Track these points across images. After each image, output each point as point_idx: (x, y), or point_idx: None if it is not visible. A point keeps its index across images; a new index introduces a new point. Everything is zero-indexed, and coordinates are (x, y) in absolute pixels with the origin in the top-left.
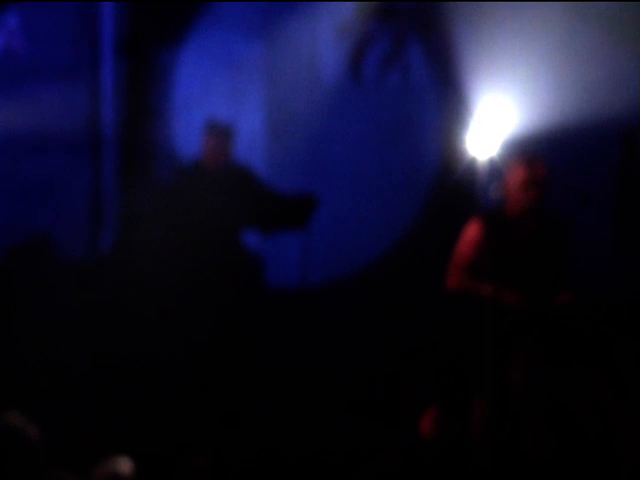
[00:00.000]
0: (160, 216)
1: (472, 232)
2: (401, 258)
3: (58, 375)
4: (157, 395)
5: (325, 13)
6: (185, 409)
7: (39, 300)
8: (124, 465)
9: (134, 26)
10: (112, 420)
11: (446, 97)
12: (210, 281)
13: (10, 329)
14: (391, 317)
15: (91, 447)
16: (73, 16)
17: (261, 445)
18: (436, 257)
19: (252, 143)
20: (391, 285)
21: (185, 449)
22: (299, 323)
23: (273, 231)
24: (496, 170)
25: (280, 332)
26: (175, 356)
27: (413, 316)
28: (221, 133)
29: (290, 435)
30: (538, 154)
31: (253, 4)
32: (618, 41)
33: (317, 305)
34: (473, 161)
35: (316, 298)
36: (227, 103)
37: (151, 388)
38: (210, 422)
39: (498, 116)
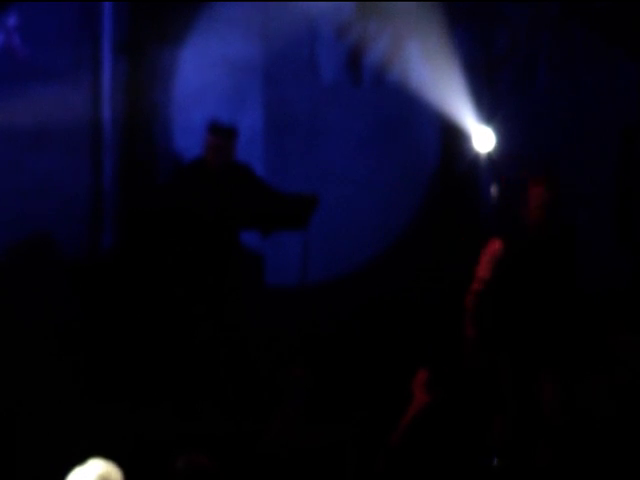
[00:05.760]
0: (161, 215)
1: (492, 250)
2: (400, 257)
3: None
4: (155, 394)
5: (325, 13)
6: (183, 406)
7: (38, 300)
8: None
9: (134, 26)
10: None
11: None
12: (209, 279)
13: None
14: (390, 316)
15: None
16: (73, 16)
17: (261, 444)
18: (435, 256)
19: (251, 142)
20: (390, 284)
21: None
22: (297, 321)
23: (273, 230)
24: (495, 169)
25: (278, 330)
26: (173, 354)
27: (412, 314)
28: (223, 133)
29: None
30: (553, 171)
31: (252, 4)
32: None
33: (315, 303)
34: (472, 160)
35: (315, 296)
36: (227, 103)
37: (149, 387)
38: (210, 418)
39: (496, 116)
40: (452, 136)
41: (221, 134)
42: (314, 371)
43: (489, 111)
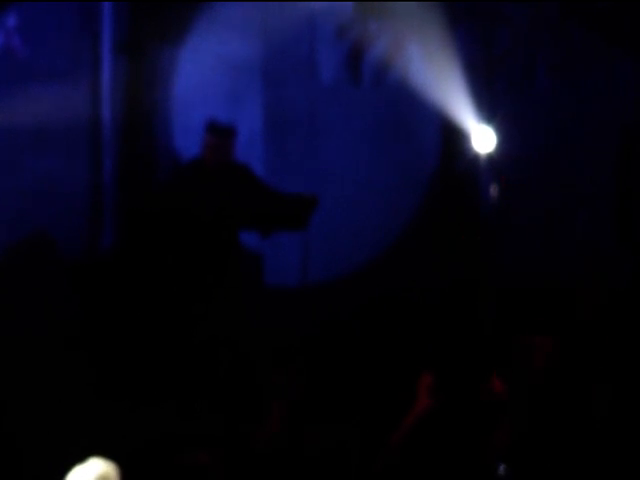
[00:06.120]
0: (160, 214)
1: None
2: (400, 257)
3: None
4: (155, 393)
5: (325, 13)
6: (183, 405)
7: (38, 299)
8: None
9: (134, 26)
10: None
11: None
12: (209, 279)
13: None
14: (390, 316)
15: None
16: (73, 16)
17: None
18: (435, 256)
19: (251, 142)
20: (390, 284)
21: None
22: (297, 321)
23: (273, 231)
24: (495, 169)
25: (278, 330)
26: (172, 353)
27: (412, 314)
28: (221, 132)
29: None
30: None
31: (252, 4)
32: (618, 41)
33: (315, 303)
34: (472, 160)
35: (315, 296)
36: (226, 102)
37: (149, 386)
38: (210, 418)
39: (495, 115)
40: (452, 136)
41: (218, 133)
42: (314, 371)
43: (489, 111)
